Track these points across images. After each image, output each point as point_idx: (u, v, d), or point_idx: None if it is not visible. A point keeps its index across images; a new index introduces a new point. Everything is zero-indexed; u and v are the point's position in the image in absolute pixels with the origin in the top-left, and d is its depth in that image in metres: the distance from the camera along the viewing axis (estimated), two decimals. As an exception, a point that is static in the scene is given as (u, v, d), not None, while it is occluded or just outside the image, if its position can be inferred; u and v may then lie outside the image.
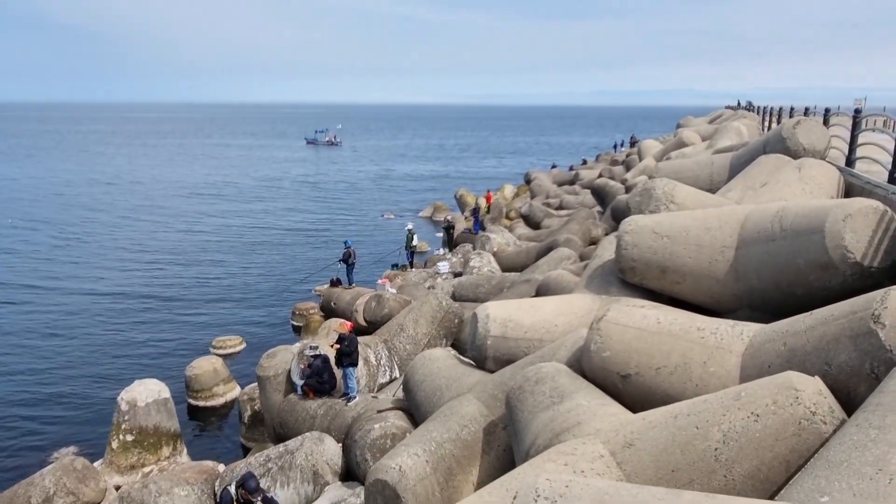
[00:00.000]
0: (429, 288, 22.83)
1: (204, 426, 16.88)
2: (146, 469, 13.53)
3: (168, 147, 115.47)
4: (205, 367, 17.79)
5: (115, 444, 13.70)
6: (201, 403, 17.55)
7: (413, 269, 28.22)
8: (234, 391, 17.97)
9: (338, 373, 13.64)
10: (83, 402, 17.88)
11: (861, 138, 13.03)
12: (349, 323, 17.37)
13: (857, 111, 12.89)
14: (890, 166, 10.24)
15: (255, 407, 15.36)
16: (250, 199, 54.91)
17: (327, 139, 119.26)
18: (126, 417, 13.78)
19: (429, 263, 29.62)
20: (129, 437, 13.72)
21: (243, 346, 21.69)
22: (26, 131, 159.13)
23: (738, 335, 6.86)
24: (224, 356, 19.87)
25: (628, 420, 6.16)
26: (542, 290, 15.72)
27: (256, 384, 14.98)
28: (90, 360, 20.66)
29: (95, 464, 13.13)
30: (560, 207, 35.83)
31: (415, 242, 29.39)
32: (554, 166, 59.20)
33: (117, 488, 12.85)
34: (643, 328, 7.36)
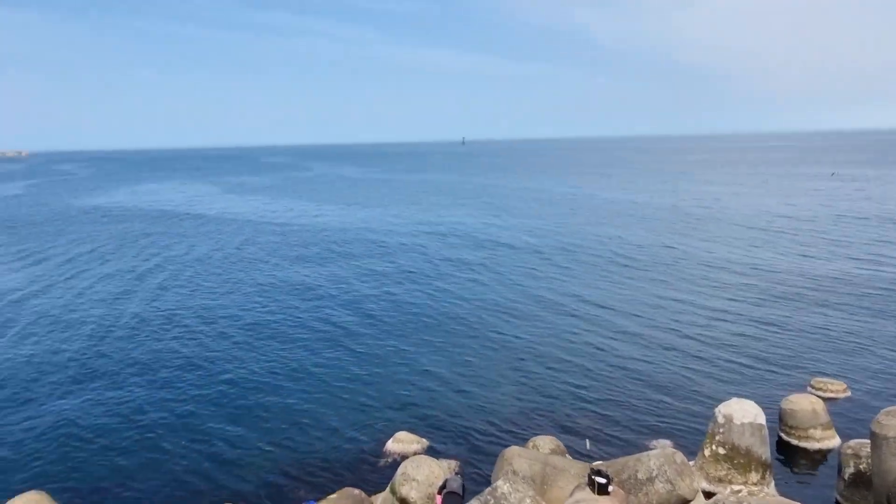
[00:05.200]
0: None
1: (794, 465, 15.90)
2: (734, 487, 13.65)
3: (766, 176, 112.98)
4: (804, 405, 16.70)
5: (707, 452, 14.31)
6: (793, 441, 16.59)
7: None
8: (832, 440, 16.32)
9: None
10: (684, 404, 19.31)
11: None
12: None
13: None
14: None
15: (861, 466, 13.54)
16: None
17: None
18: (721, 430, 14.18)
19: None
20: (721, 451, 14.08)
21: (847, 393, 19.39)
22: (632, 159, 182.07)
23: None
24: (824, 399, 18.18)
25: None
26: None
27: (868, 440, 13.15)
28: (685, 367, 22.18)
29: (689, 463, 14.00)
30: None
31: None
32: None
33: (706, 494, 13.44)
34: None
